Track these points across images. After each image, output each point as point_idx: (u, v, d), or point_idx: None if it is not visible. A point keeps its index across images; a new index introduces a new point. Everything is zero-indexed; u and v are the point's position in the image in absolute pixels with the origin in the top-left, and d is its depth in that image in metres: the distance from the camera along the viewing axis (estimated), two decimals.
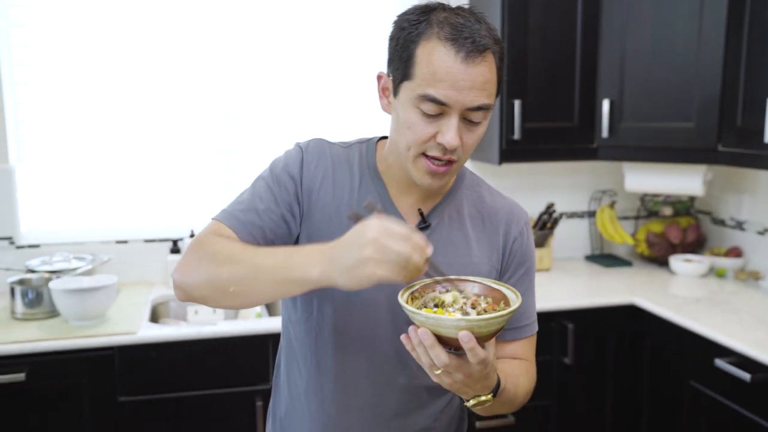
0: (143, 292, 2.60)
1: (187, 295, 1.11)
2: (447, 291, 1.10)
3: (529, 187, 3.07)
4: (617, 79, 2.68)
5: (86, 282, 2.31)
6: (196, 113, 2.74)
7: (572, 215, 3.17)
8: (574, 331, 2.49)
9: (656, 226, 3.07)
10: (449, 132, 1.07)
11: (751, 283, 2.73)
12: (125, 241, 2.72)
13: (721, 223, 3.05)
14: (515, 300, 1.05)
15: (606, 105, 2.69)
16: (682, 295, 2.60)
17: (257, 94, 2.78)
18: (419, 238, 0.95)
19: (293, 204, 1.20)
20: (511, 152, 2.69)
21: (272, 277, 1.02)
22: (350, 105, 2.87)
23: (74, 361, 2.13)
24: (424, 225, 1.21)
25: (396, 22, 1.14)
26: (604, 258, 3.12)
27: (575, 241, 3.18)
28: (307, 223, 1.20)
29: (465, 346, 0.95)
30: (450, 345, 0.99)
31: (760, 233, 2.82)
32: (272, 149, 2.81)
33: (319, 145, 1.25)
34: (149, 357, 2.18)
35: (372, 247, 0.92)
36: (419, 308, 1.04)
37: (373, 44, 2.86)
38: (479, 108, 1.08)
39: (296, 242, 1.21)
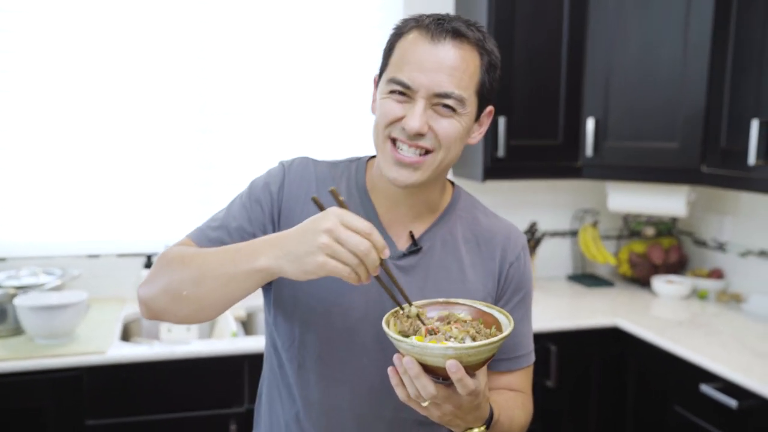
0: (114, 308, 2.51)
1: (149, 309, 1.07)
2: (437, 315, 1.05)
3: (511, 205, 3.04)
4: (602, 98, 2.66)
5: (54, 298, 2.21)
6: (173, 125, 2.67)
7: (554, 234, 3.14)
8: (558, 353, 2.45)
9: (638, 247, 3.05)
10: (413, 115, 1.03)
11: (732, 305, 2.72)
12: (97, 256, 2.63)
13: (702, 244, 3.03)
14: (507, 324, 1.00)
15: (591, 124, 2.67)
16: (665, 318, 2.57)
17: (237, 106, 2.71)
18: (378, 237, 0.91)
19: (267, 225, 1.14)
20: (495, 169, 2.65)
21: (220, 272, 0.98)
22: (333, 118, 2.82)
23: (39, 382, 2.03)
24: (415, 248, 1.15)
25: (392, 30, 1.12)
26: (586, 278, 3.09)
27: (557, 261, 3.15)
28: None
29: (453, 376, 0.90)
30: (438, 374, 0.93)
31: (742, 255, 2.81)
32: (252, 163, 2.74)
33: (304, 164, 1.19)
34: (119, 378, 2.09)
35: (327, 237, 0.89)
36: (408, 333, 0.99)
37: (356, 54, 2.81)
38: (447, 95, 1.03)
39: None
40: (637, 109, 2.61)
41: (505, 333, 0.95)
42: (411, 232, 1.16)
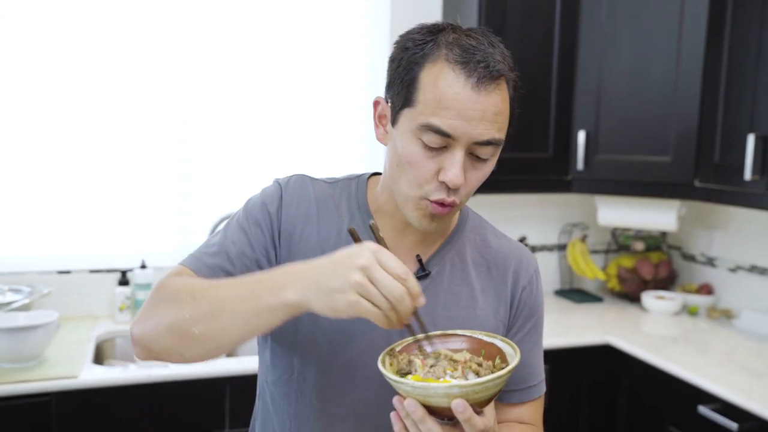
0: (86, 327, 2.38)
1: (148, 350, 0.96)
2: (431, 348, 0.96)
3: (499, 219, 2.93)
4: (593, 111, 2.61)
5: (22, 319, 2.08)
6: (150, 134, 2.55)
7: (542, 248, 3.08)
8: (548, 371, 2.36)
9: (627, 261, 3.00)
10: (453, 168, 0.94)
11: (723, 321, 2.68)
12: (68, 272, 2.50)
13: (691, 258, 2.99)
14: (513, 355, 0.92)
15: (582, 136, 2.61)
16: (658, 334, 2.52)
17: (216, 115, 2.61)
18: (414, 283, 0.82)
19: (269, 249, 1.05)
20: (485, 183, 2.56)
21: (241, 307, 0.87)
22: (315, 129, 2.73)
23: (5, 409, 1.90)
24: (423, 273, 1.07)
25: (398, 42, 1.00)
26: (574, 293, 3.03)
27: (545, 275, 3.08)
28: None
29: (460, 416, 0.82)
30: (443, 415, 0.86)
31: (732, 270, 2.77)
32: (232, 174, 2.64)
33: (301, 182, 1.10)
34: (92, 403, 1.97)
35: (361, 275, 0.80)
36: (403, 372, 0.90)
37: (339, 62, 2.72)
38: (488, 143, 0.95)
39: None
40: (629, 122, 2.56)
41: (512, 365, 0.87)
42: (418, 255, 1.08)
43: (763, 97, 2.16)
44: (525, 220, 3.01)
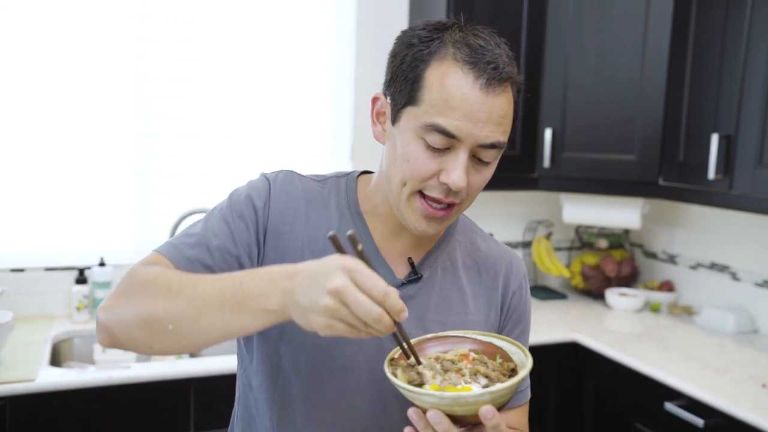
0: (42, 328, 2.29)
1: (113, 338, 0.90)
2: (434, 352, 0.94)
3: None
4: (560, 109, 2.62)
5: None
6: (107, 128, 2.46)
7: (507, 245, 3.08)
8: None
9: (591, 259, 3.03)
10: (456, 170, 0.91)
11: (685, 318, 2.72)
12: (22, 269, 2.40)
13: (652, 256, 3.04)
14: (516, 351, 0.91)
15: (548, 134, 2.62)
16: (623, 332, 2.55)
17: (177, 110, 2.53)
18: (394, 300, 0.76)
19: (253, 245, 1.00)
20: None
21: (221, 311, 0.82)
22: (283, 127, 2.67)
23: None
24: (415, 277, 1.04)
25: (401, 38, 0.97)
26: (539, 290, 3.04)
27: None
28: None
29: (489, 423, 0.79)
30: (464, 422, 0.83)
31: (693, 268, 2.82)
32: (193, 171, 2.57)
33: (289, 178, 1.05)
34: (50, 408, 1.89)
35: (333, 300, 0.75)
36: (416, 383, 0.86)
37: (303, 57, 2.68)
38: (492, 146, 0.92)
39: None
40: (595, 121, 2.58)
41: (529, 363, 0.86)
42: (410, 258, 1.05)
43: (726, 98, 2.20)
44: (490, 217, 3.01)
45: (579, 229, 3.15)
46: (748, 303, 2.58)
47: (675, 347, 2.35)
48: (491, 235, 1.20)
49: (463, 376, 0.87)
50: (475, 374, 0.88)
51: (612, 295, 2.83)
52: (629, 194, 2.59)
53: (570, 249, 3.18)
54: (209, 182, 2.58)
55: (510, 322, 1.11)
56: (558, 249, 3.16)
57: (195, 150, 2.57)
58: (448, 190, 0.93)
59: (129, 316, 0.88)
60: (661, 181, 2.46)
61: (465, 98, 0.89)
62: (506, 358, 0.92)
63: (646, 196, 2.57)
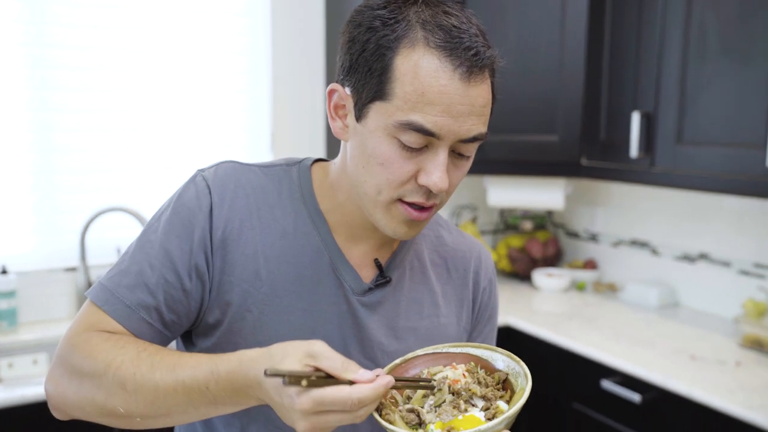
0: None
1: (69, 416, 0.83)
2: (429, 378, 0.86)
3: None
4: None
5: None
6: (4, 120, 2.24)
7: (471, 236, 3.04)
8: None
9: (516, 241, 3.04)
10: (436, 170, 0.82)
11: (608, 294, 2.77)
12: None
13: (575, 235, 3.08)
14: (497, 359, 0.86)
15: None
16: (552, 312, 2.56)
17: (84, 103, 2.33)
18: (372, 396, 0.71)
19: (201, 266, 0.87)
20: None
21: (194, 407, 0.78)
22: (196, 117, 2.52)
23: None
24: (383, 280, 0.95)
25: (357, 19, 0.84)
26: None
27: None
28: (223, 286, 0.88)
29: None
30: None
31: (614, 245, 2.87)
32: (102, 167, 2.38)
33: (232, 173, 0.92)
34: None
35: (308, 422, 0.72)
36: (414, 424, 0.79)
37: (217, 44, 2.53)
38: (474, 139, 0.84)
39: (204, 313, 0.90)
40: (516, 103, 2.57)
41: (529, 379, 0.82)
42: (377, 260, 0.95)
43: (645, 74, 2.23)
44: None
45: (503, 212, 3.16)
46: (669, 277, 2.65)
47: (604, 325, 2.38)
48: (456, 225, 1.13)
49: (456, 407, 0.81)
50: (471, 398, 0.82)
51: (539, 276, 2.85)
52: (553, 175, 2.60)
53: (494, 232, 3.18)
54: (120, 180, 2.41)
55: (482, 320, 1.05)
56: (483, 233, 3.15)
57: (104, 145, 2.38)
58: (429, 193, 0.84)
59: (84, 403, 0.81)
60: (583, 161, 2.48)
61: (444, 91, 0.79)
62: (487, 367, 0.86)
63: (570, 176, 2.58)
